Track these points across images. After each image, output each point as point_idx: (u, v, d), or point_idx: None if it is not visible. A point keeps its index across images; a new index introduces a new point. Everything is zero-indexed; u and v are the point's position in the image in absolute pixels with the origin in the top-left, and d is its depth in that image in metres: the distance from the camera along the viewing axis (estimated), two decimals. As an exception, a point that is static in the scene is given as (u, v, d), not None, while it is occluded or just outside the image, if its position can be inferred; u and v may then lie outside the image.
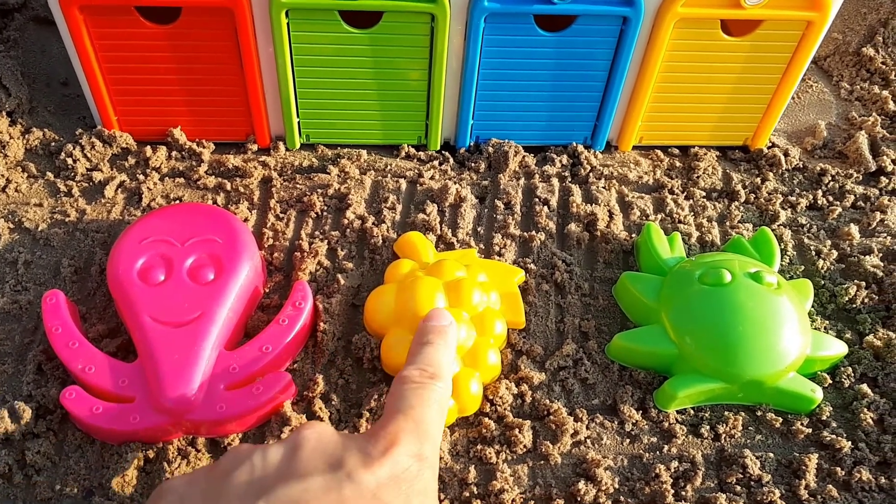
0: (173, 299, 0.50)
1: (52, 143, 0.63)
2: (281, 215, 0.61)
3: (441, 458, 0.48)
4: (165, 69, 0.58)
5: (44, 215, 0.59)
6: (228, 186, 0.62)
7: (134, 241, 0.53)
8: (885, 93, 0.74)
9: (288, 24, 0.55)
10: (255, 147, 0.65)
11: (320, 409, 0.50)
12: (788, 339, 0.50)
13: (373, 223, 0.60)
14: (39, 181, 0.61)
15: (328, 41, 0.57)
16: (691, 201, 0.64)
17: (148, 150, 0.63)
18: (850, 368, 0.53)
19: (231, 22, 0.55)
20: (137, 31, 0.56)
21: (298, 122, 0.63)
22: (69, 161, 0.62)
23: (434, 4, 0.54)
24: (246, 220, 0.60)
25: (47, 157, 0.63)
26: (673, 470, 0.48)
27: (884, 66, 0.77)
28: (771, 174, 0.67)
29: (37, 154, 0.63)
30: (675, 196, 0.64)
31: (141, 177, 0.62)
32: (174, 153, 0.64)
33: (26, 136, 0.63)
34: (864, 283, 0.58)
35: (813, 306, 0.57)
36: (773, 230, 0.61)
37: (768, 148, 0.68)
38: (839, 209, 0.64)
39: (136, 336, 0.50)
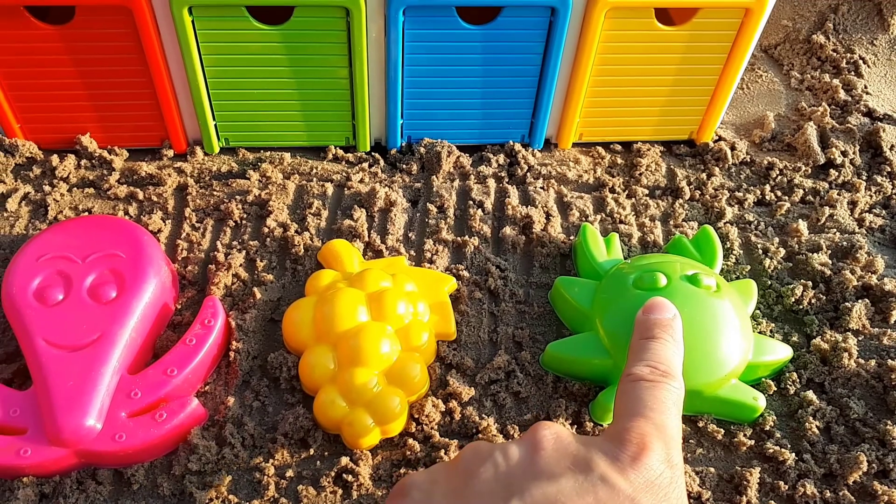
0: (71, 320, 0.46)
1: (-50, 154, 0.59)
2: (197, 225, 0.57)
3: (361, 484, 0.45)
4: (66, 72, 0.55)
5: (-61, 232, 0.55)
6: (141, 196, 0.58)
7: (31, 258, 0.49)
8: (836, 81, 0.72)
9: (193, 21, 0.52)
10: (170, 153, 0.61)
11: (231, 434, 0.46)
12: (728, 345, 0.47)
13: (295, 231, 0.57)
14: (-65, 195, 0.57)
15: (238, 39, 0.53)
16: (633, 200, 0.61)
17: (55, 158, 0.59)
18: (795, 374, 0.50)
19: (131, 21, 0.51)
20: (30, 33, 0.52)
21: (216, 125, 0.59)
22: (-33, 173, 0.58)
23: (347, -3, 0.51)
24: (159, 230, 0.56)
25: (-56, 170, 0.59)
26: (608, 489, 0.45)
27: (835, 54, 0.75)
28: (717, 169, 0.64)
29: (-67, 166, 0.59)
30: (616, 195, 0.61)
31: (47, 188, 0.58)
32: (83, 161, 0.60)
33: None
34: (811, 283, 0.55)
35: (758, 308, 0.54)
36: (718, 228, 0.59)
37: (714, 142, 0.65)
38: (787, 204, 0.61)
39: (29, 361, 0.46)
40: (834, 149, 0.65)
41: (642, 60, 0.58)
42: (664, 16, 0.57)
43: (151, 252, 0.50)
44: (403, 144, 0.63)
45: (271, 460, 0.46)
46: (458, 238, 0.57)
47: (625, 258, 0.55)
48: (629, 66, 0.59)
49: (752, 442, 0.47)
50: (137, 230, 0.51)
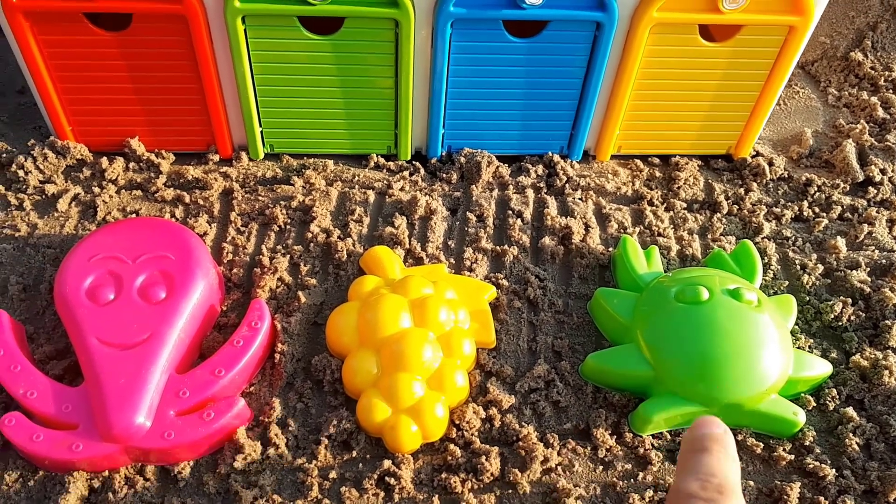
0: (122, 320, 0.47)
1: (4, 155, 0.61)
2: (242, 229, 0.58)
3: (403, 487, 0.45)
4: (119, 77, 0.56)
5: (-8, 230, 0.57)
6: (187, 199, 0.59)
7: (83, 258, 0.50)
8: (874, 99, 0.72)
9: (245, 30, 0.53)
10: (216, 158, 0.62)
11: (276, 435, 0.47)
12: (769, 360, 0.48)
13: (338, 237, 0.58)
14: (-12, 195, 0.59)
15: (288, 48, 0.55)
16: (671, 213, 0.62)
17: (104, 161, 0.60)
18: (835, 390, 0.50)
19: (185, 29, 0.53)
20: (87, 39, 0.53)
21: (261, 132, 0.61)
22: (20, 173, 0.59)
23: (397, 10, 0.52)
24: (205, 234, 0.57)
25: (-3, 169, 0.61)
26: (648, 500, 0.46)
27: (872, 72, 0.75)
28: (755, 184, 0.64)
29: (-15, 166, 0.61)
30: (654, 208, 0.62)
31: (96, 189, 0.59)
32: (132, 164, 0.61)
33: (-26, 145, 0.61)
34: (850, 300, 0.55)
35: (797, 324, 0.54)
36: (756, 243, 0.59)
37: (752, 157, 0.66)
38: (825, 221, 0.61)
39: (81, 358, 0.47)
40: (873, 166, 0.65)
41: (684, 75, 0.59)
42: (707, 31, 0.57)
43: (200, 255, 0.51)
44: (443, 154, 0.64)
45: (315, 461, 0.47)
46: (498, 247, 0.58)
47: (664, 271, 0.56)
48: (670, 81, 0.59)
49: (792, 457, 0.48)
50: (186, 233, 0.52)
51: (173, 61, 0.55)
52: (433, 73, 0.57)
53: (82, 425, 0.45)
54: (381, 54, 0.56)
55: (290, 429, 0.48)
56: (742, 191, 0.64)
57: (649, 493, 0.46)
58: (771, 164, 0.65)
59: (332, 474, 0.46)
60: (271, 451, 0.47)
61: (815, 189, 0.64)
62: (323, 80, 0.57)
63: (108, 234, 0.51)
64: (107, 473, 0.45)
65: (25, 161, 0.59)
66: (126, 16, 0.52)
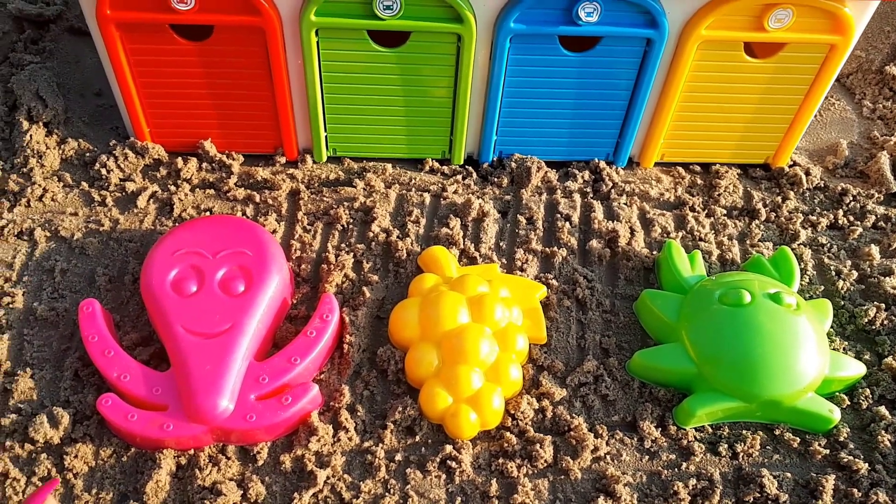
0: (205, 310, 0.51)
1: (87, 154, 0.65)
2: (308, 227, 0.62)
3: (463, 471, 0.49)
4: (197, 83, 0.60)
5: (79, 224, 0.61)
6: (257, 198, 0.63)
7: (167, 252, 0.54)
8: (908, 111, 0.75)
9: (318, 42, 0.57)
10: (283, 160, 0.66)
11: (346, 419, 0.51)
12: (807, 360, 0.51)
13: (397, 236, 0.61)
14: (75, 191, 0.63)
15: (357, 59, 0.58)
16: (712, 219, 0.65)
17: (179, 161, 0.64)
18: (868, 390, 0.54)
19: (262, 39, 0.56)
20: (171, 48, 0.57)
21: (326, 136, 0.64)
22: (103, 171, 0.63)
23: (461, 25, 0.55)
24: (274, 231, 0.61)
25: (82, 168, 0.65)
26: (691, 488, 0.49)
27: (906, 85, 0.77)
28: (792, 193, 0.67)
29: (72, 164, 0.65)
30: (696, 213, 0.65)
31: (172, 188, 0.63)
32: (204, 165, 0.65)
33: (62, 146, 0.65)
34: (883, 305, 0.58)
35: (832, 326, 0.57)
36: (793, 249, 0.62)
37: (789, 167, 0.69)
38: (860, 229, 0.64)
39: (168, 345, 0.51)
40: (906, 177, 0.68)
41: (727, 89, 0.62)
42: (750, 48, 0.60)
43: (274, 251, 0.55)
44: (494, 159, 0.67)
45: (381, 445, 0.51)
46: (547, 248, 0.61)
47: (707, 274, 0.59)
48: (714, 94, 0.62)
49: (827, 451, 0.51)
50: (261, 231, 0.56)
51: (248, 69, 0.59)
52: (490, 84, 0.61)
53: (171, 407, 0.49)
54: (442, 66, 0.59)
55: (359, 414, 0.52)
56: (779, 199, 0.67)
57: (692, 481, 0.49)
58: (808, 173, 0.68)
59: (398, 457, 0.50)
60: (342, 434, 0.51)
61: (850, 198, 0.67)
62: (386, 89, 0.61)
63: (189, 231, 0.55)
64: (192, 452, 0.49)
65: (108, 160, 0.64)
66: (207, 27, 0.56)
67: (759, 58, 0.60)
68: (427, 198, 0.65)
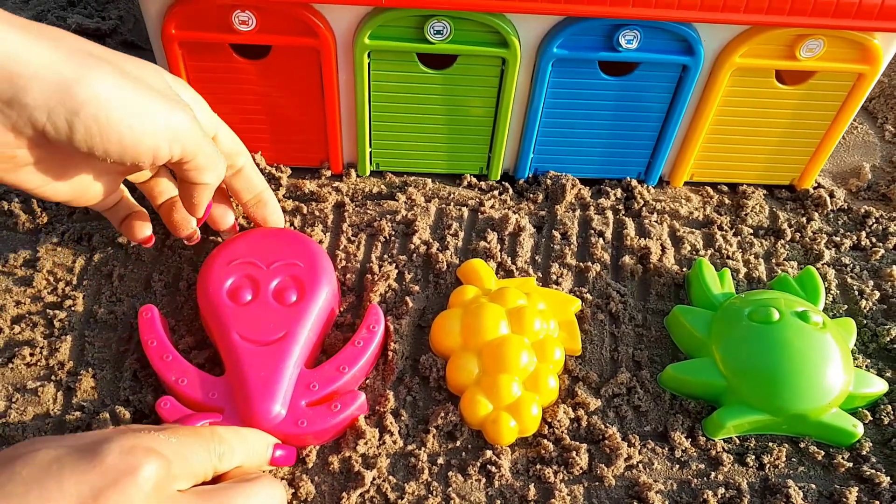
0: (260, 319, 0.54)
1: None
2: (352, 238, 0.65)
3: (502, 475, 0.52)
4: (252, 99, 0.63)
5: (134, 232, 0.64)
6: (304, 210, 0.66)
7: (223, 262, 0.57)
8: (929, 136, 0.77)
9: (369, 63, 0.60)
10: (328, 173, 0.69)
11: (391, 423, 0.54)
12: (832, 376, 0.53)
13: (437, 249, 0.64)
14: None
15: (405, 80, 0.61)
16: (739, 238, 0.67)
17: (229, 172, 0.67)
18: (890, 406, 0.56)
19: (316, 60, 0.59)
20: (230, 66, 0.60)
21: (370, 151, 0.67)
22: (158, 181, 0.66)
23: (506, 50, 0.58)
24: (321, 241, 0.64)
25: (137, 177, 0.68)
26: (720, 496, 0.51)
27: (928, 110, 0.80)
28: (816, 214, 0.70)
29: (127, 173, 0.68)
30: (724, 232, 0.67)
31: (223, 198, 0.66)
32: (253, 176, 0.68)
33: (118, 155, 0.68)
34: (905, 325, 0.61)
35: (855, 345, 0.60)
36: (817, 269, 0.64)
37: (814, 188, 0.71)
38: (882, 251, 0.67)
39: (224, 351, 0.54)
40: (927, 201, 0.70)
41: (757, 113, 0.64)
42: (780, 75, 0.63)
43: (325, 263, 0.58)
44: (530, 175, 0.70)
45: (423, 448, 0.53)
46: (581, 263, 0.64)
47: (735, 292, 0.61)
48: (744, 118, 0.65)
49: (850, 464, 0.53)
50: (312, 243, 0.59)
51: (301, 87, 0.62)
52: (529, 105, 0.63)
53: (227, 410, 0.51)
54: (485, 87, 0.62)
55: (402, 418, 0.54)
56: (804, 219, 0.69)
57: (721, 490, 0.52)
58: (832, 195, 0.70)
59: (440, 460, 0.53)
60: (386, 437, 0.53)
61: (873, 220, 0.69)
62: (430, 108, 0.64)
63: (243, 242, 0.58)
64: (245, 451, 0.52)
65: (162, 170, 0.67)
66: (265, 46, 0.59)
67: (788, 84, 0.63)
68: (465, 212, 0.68)
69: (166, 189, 0.59)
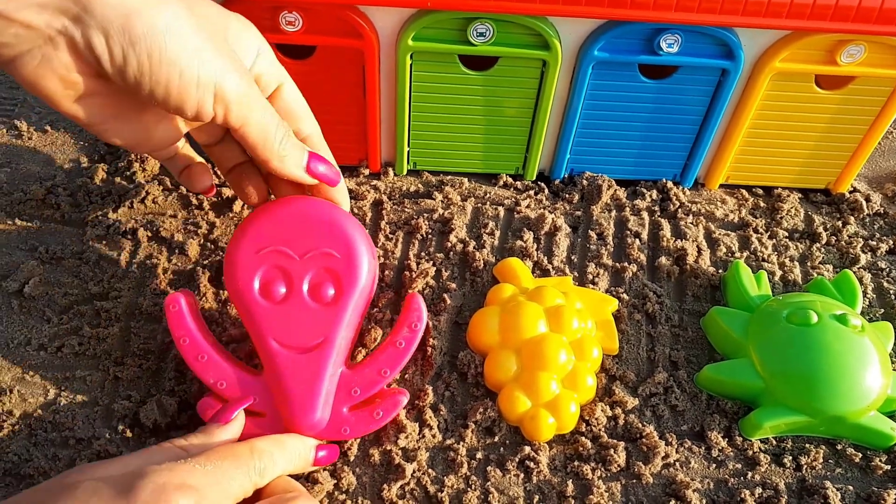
0: (297, 322, 0.50)
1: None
2: (390, 236, 0.66)
3: (540, 471, 0.52)
4: (295, 98, 0.64)
5: (178, 225, 0.65)
6: (343, 207, 0.67)
7: (250, 251, 0.51)
8: (965, 142, 0.77)
9: (411, 64, 0.60)
10: (366, 171, 0.70)
11: (430, 418, 0.54)
12: (871, 379, 0.54)
13: (474, 247, 0.65)
14: (173, 194, 0.67)
15: (445, 81, 0.62)
16: (774, 241, 0.68)
17: (270, 169, 0.68)
18: (927, 410, 0.56)
19: (360, 60, 0.60)
20: (275, 65, 0.61)
21: (408, 151, 0.68)
22: (201, 177, 0.68)
23: (548, 52, 0.59)
24: (359, 239, 0.65)
25: (180, 173, 0.69)
26: (757, 496, 0.52)
27: (964, 116, 0.80)
28: (852, 218, 0.70)
29: (171, 169, 0.69)
30: (759, 235, 0.68)
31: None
32: (293, 174, 0.69)
33: (161, 152, 0.69)
34: (942, 329, 0.60)
35: (893, 348, 0.60)
36: (853, 273, 0.65)
37: (850, 192, 0.71)
38: (918, 255, 0.67)
39: (262, 355, 0.51)
40: (964, 207, 0.70)
41: (794, 118, 0.65)
42: (817, 78, 0.63)
43: (363, 249, 0.52)
44: (565, 175, 0.71)
45: (462, 443, 0.54)
46: (617, 263, 0.65)
47: (771, 294, 0.62)
48: (782, 122, 0.65)
49: (888, 466, 0.53)
50: (347, 222, 0.53)
51: (343, 87, 0.63)
52: (568, 107, 0.64)
53: (269, 415, 0.50)
54: (524, 89, 0.63)
55: (441, 413, 0.55)
56: (840, 223, 0.69)
57: (758, 490, 0.52)
58: (868, 199, 0.71)
59: (479, 455, 0.53)
60: (426, 431, 0.54)
61: (909, 225, 0.69)
62: (469, 108, 0.64)
63: (270, 223, 0.52)
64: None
65: (205, 167, 0.68)
66: (310, 47, 0.60)
67: (825, 89, 0.63)
68: (501, 211, 0.68)
69: (234, 155, 0.55)
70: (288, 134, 0.49)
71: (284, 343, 0.50)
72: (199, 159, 0.57)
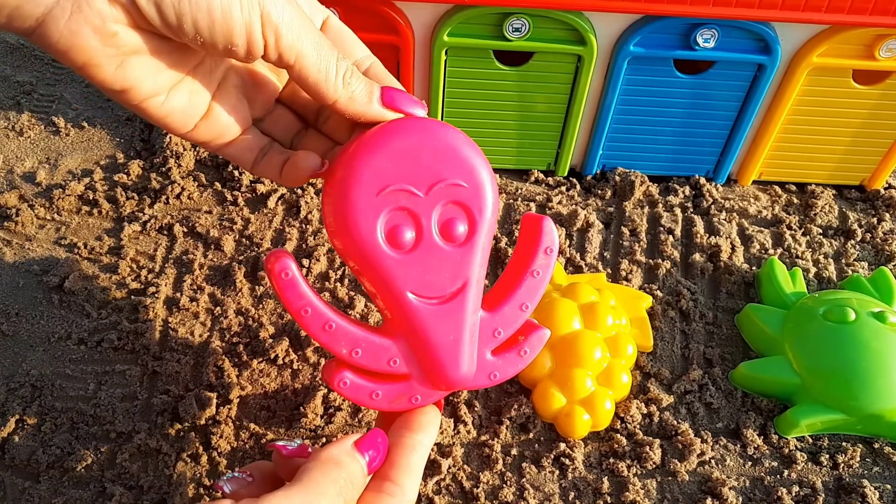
0: (433, 269, 0.43)
1: (219, 156, 0.70)
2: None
3: (576, 468, 0.53)
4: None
5: (213, 221, 0.66)
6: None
7: (369, 193, 0.41)
8: None
9: (446, 60, 0.61)
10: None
11: (465, 414, 0.55)
12: (909, 378, 0.53)
13: (506, 243, 0.65)
14: (209, 190, 0.68)
15: (480, 76, 0.62)
16: (808, 237, 0.67)
17: (303, 165, 0.69)
18: (967, 409, 0.56)
19: (395, 56, 0.60)
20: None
21: (441, 146, 0.68)
22: (235, 173, 0.68)
23: (584, 47, 0.59)
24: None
25: (215, 169, 0.70)
26: (794, 494, 0.52)
27: None
28: (887, 215, 0.69)
29: (206, 165, 0.70)
30: (793, 232, 0.67)
31: (299, 190, 0.68)
32: (326, 169, 0.69)
33: (196, 147, 0.70)
34: (981, 328, 0.60)
35: (930, 347, 0.59)
36: (889, 270, 0.64)
37: (885, 189, 0.71)
38: (955, 252, 0.66)
39: (395, 313, 0.44)
40: None
41: (831, 113, 0.64)
42: (854, 74, 0.62)
43: (490, 174, 0.44)
44: (597, 171, 0.71)
45: (496, 439, 0.54)
46: (650, 260, 0.64)
47: (806, 291, 0.61)
48: (818, 118, 0.65)
49: (927, 466, 0.53)
50: (469, 146, 0.44)
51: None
52: (602, 102, 0.64)
53: (413, 375, 0.44)
54: (559, 84, 0.62)
55: (476, 409, 0.55)
56: (875, 220, 0.69)
57: (795, 488, 0.52)
58: (903, 196, 0.70)
59: (514, 451, 0.54)
60: (461, 427, 0.54)
61: (946, 222, 0.69)
62: (502, 104, 0.64)
63: (386, 157, 0.41)
64: (328, 432, 0.54)
65: (239, 163, 0.68)
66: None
67: (863, 84, 0.62)
68: (533, 207, 0.68)
69: (288, 122, 0.47)
70: (351, 67, 0.41)
71: (423, 295, 0.43)
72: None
